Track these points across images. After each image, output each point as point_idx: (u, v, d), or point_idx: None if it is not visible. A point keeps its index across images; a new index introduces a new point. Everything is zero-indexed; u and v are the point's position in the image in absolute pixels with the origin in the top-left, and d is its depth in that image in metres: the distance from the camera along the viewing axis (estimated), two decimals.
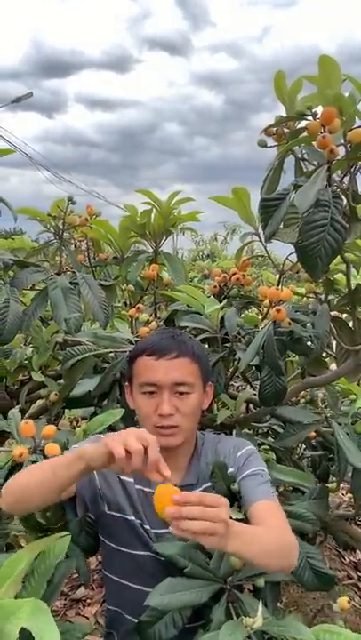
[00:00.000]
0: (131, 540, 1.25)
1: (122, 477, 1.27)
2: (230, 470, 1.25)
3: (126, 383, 1.33)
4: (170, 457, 1.19)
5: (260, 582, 1.12)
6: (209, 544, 0.91)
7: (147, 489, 1.26)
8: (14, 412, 1.44)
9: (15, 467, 1.31)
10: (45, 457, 1.27)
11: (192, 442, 1.31)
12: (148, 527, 1.24)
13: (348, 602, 1.14)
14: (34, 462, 1.27)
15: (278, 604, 1.27)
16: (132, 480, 1.27)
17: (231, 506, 1.21)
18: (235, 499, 1.23)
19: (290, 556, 1.09)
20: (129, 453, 0.93)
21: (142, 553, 1.23)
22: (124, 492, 1.26)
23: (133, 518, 1.24)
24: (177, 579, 1.06)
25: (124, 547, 1.26)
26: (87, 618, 2.41)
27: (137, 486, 1.26)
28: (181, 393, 1.22)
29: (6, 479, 1.23)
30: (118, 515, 1.25)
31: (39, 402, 2.18)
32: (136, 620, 1.19)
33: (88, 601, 2.53)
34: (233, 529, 0.95)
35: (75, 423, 2.06)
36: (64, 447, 1.33)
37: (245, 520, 1.17)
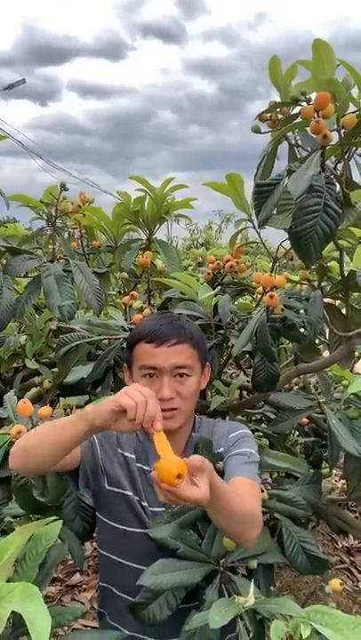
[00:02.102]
0: (128, 516, 1.26)
1: (124, 454, 1.29)
2: (220, 450, 1.26)
3: (125, 366, 1.34)
4: (167, 439, 1.20)
5: (253, 564, 1.14)
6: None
7: (146, 467, 1.28)
8: (10, 395, 1.45)
9: (6, 459, 1.32)
10: None
11: (190, 424, 1.33)
12: (145, 504, 1.26)
13: (341, 584, 1.15)
14: None
15: (272, 587, 1.29)
16: (133, 457, 1.29)
17: None
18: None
19: (249, 528, 1.10)
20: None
21: (138, 530, 1.25)
22: (124, 468, 1.28)
23: (131, 494, 1.26)
24: (170, 560, 1.07)
25: (120, 523, 1.27)
26: (83, 603, 2.43)
27: (137, 464, 1.28)
28: (181, 375, 1.24)
29: (3, 460, 1.24)
30: (117, 490, 1.27)
31: (33, 389, 2.18)
32: (128, 598, 1.21)
33: (84, 586, 2.56)
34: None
35: (69, 410, 2.06)
36: None
37: None
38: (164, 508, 1.24)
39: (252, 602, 0.86)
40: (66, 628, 1.24)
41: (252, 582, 0.92)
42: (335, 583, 1.10)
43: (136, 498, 1.26)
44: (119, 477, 1.27)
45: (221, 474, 1.23)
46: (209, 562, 1.11)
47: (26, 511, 1.28)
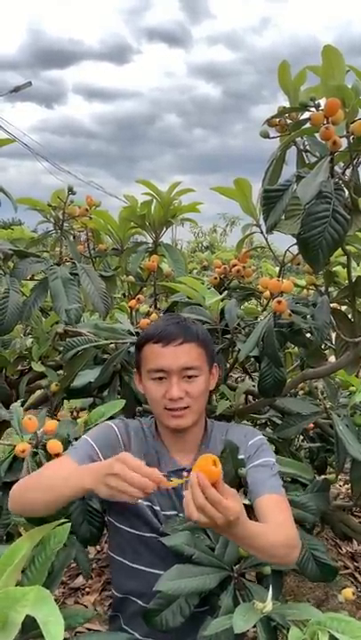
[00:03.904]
0: (139, 523, 1.27)
1: None
2: (241, 457, 1.26)
3: (135, 370, 1.36)
4: (179, 440, 1.20)
5: (267, 570, 1.15)
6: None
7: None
8: (16, 407, 1.45)
9: (15, 461, 1.32)
10: (46, 452, 1.28)
11: (201, 425, 1.34)
12: (157, 508, 1.26)
13: (353, 593, 1.15)
14: (35, 454, 1.28)
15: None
16: (143, 462, 1.28)
17: (237, 490, 1.22)
18: (240, 484, 1.24)
19: (292, 552, 1.11)
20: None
21: (150, 535, 1.26)
22: None
23: (141, 501, 1.26)
24: (185, 565, 1.08)
25: (131, 528, 1.28)
26: (86, 606, 2.42)
27: None
28: (189, 377, 1.25)
29: (8, 467, 1.24)
30: None
31: (39, 392, 2.18)
32: (141, 602, 1.21)
33: (87, 589, 2.54)
34: (239, 530, 0.97)
35: (75, 413, 2.06)
36: (65, 442, 1.33)
37: (251, 507, 1.18)
38: (176, 512, 1.25)
39: (271, 607, 0.87)
40: (69, 630, 1.24)
41: (270, 588, 0.93)
42: (348, 593, 1.10)
43: (146, 503, 1.26)
44: None
45: (241, 480, 1.23)
46: (223, 568, 1.11)
47: (33, 524, 1.28)
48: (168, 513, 1.26)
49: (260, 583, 1.17)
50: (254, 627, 0.90)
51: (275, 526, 1.11)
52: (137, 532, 1.27)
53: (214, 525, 0.94)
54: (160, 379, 1.24)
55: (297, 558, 1.14)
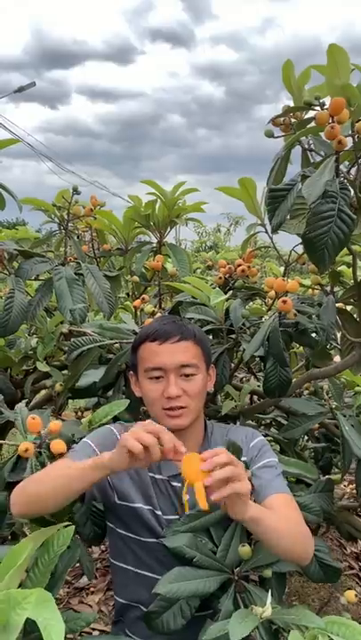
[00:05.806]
0: (139, 528, 1.27)
1: None
2: (243, 459, 1.25)
3: (130, 372, 1.34)
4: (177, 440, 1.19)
5: (268, 573, 1.13)
6: (238, 491, 0.96)
7: (158, 476, 1.28)
8: (21, 407, 1.45)
9: (19, 461, 1.32)
10: (50, 452, 1.28)
11: (201, 427, 1.33)
12: (159, 513, 1.26)
13: (356, 595, 1.15)
14: (39, 453, 1.27)
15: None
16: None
17: None
18: None
19: (305, 546, 1.12)
20: (145, 448, 0.99)
21: (151, 540, 1.25)
22: (135, 480, 1.28)
23: (142, 506, 1.26)
24: (185, 568, 1.07)
25: (133, 534, 1.27)
26: (90, 606, 2.42)
27: (150, 474, 1.28)
28: (187, 375, 1.24)
29: (13, 467, 1.24)
30: (127, 504, 1.27)
31: (43, 391, 2.18)
32: (143, 608, 1.21)
33: (91, 589, 2.55)
34: (253, 511, 1.00)
35: (80, 413, 2.06)
36: (70, 442, 1.33)
37: None
38: (178, 516, 1.24)
39: (270, 612, 0.86)
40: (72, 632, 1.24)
41: (269, 593, 0.92)
42: (351, 595, 1.10)
43: (147, 508, 1.26)
44: (128, 491, 1.27)
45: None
46: (224, 570, 1.10)
47: (38, 525, 1.28)
48: (170, 517, 1.25)
49: (262, 586, 1.16)
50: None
51: (287, 520, 1.11)
52: (138, 537, 1.26)
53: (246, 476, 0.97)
54: (157, 378, 1.24)
55: (310, 556, 1.15)
